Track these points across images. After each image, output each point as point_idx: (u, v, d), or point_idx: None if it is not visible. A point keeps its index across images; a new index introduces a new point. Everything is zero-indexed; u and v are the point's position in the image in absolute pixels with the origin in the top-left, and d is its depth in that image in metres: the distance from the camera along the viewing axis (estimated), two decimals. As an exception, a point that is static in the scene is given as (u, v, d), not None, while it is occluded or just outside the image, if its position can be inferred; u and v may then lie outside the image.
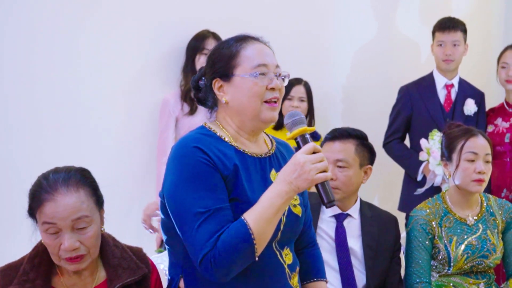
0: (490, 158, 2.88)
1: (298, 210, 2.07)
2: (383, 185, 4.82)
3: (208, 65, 2.08)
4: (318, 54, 4.53)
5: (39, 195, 1.95)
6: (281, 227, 1.99)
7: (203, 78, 2.10)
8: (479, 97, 4.24)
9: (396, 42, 4.94)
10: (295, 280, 2.06)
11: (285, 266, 2.02)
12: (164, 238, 2.08)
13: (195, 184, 1.88)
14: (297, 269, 2.09)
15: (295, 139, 1.93)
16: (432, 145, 3.88)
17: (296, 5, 4.42)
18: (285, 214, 2.01)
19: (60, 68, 3.51)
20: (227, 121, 2.05)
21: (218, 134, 2.02)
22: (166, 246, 2.10)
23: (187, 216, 1.87)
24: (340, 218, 2.85)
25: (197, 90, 2.13)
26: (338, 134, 2.85)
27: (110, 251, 2.07)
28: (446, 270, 2.85)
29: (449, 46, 4.13)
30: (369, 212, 2.90)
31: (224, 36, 3.77)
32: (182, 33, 3.87)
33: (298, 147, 1.92)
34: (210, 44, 3.82)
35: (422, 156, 3.95)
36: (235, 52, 2.02)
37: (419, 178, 4.07)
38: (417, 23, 4.99)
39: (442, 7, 5.02)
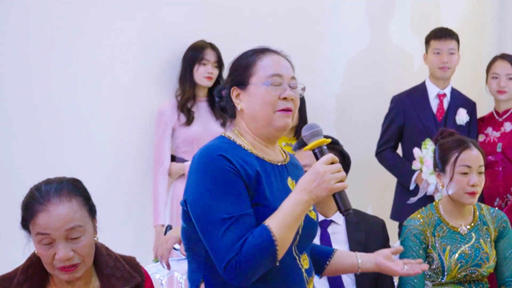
0: (483, 169, 2.89)
1: (313, 215, 2.16)
2: (376, 193, 4.84)
3: (228, 75, 2.17)
4: (311, 64, 4.53)
5: (31, 207, 1.96)
6: (300, 231, 2.06)
7: (225, 87, 2.18)
8: (471, 107, 4.26)
9: (388, 52, 4.97)
10: (311, 285, 2.13)
11: (303, 270, 2.08)
12: (185, 245, 2.11)
13: (220, 191, 1.95)
14: (313, 274, 2.17)
15: (313, 150, 2.03)
16: (425, 154, 3.90)
17: (290, 16, 4.45)
18: (303, 218, 2.06)
19: (57, 76, 3.52)
20: (244, 128, 2.12)
21: (237, 143, 2.09)
22: (186, 253, 2.13)
23: (213, 222, 1.93)
24: (324, 225, 2.87)
25: (220, 99, 2.21)
26: (302, 143, 2.87)
27: (103, 260, 2.08)
28: (440, 279, 2.86)
29: (446, 54, 4.16)
30: (354, 218, 2.91)
31: (220, 47, 3.87)
32: (178, 43, 3.90)
33: (316, 158, 2.02)
34: (209, 55, 3.84)
35: (415, 165, 3.97)
36: (252, 62, 2.11)
37: (412, 187, 4.09)
38: (409, 33, 5.03)
39: (433, 17, 5.07)
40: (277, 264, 1.95)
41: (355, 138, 4.61)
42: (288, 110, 2.07)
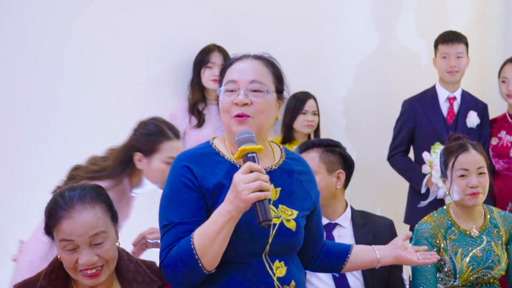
0: (484, 170, 2.89)
1: (291, 225, 2.08)
2: (385, 197, 4.84)
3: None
4: (318, 68, 4.56)
5: (55, 213, 1.97)
6: (269, 240, 2.03)
7: None
8: (482, 109, 4.26)
9: (395, 54, 4.98)
10: None
11: (274, 278, 2.04)
12: None
13: (171, 199, 2.02)
14: (292, 283, 2.10)
15: (242, 157, 1.96)
16: (434, 158, 3.90)
17: (298, 20, 4.47)
18: (275, 227, 2.04)
19: (68, 80, 3.53)
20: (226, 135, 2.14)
21: (217, 149, 2.09)
22: None
23: (160, 226, 2.03)
24: (328, 228, 2.86)
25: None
26: (304, 147, 2.91)
27: (124, 265, 2.10)
28: (452, 282, 2.87)
29: (453, 58, 4.16)
30: (361, 220, 2.91)
31: (230, 51, 3.89)
32: (189, 47, 3.92)
33: None
34: (215, 58, 3.86)
35: (425, 169, 3.97)
36: (223, 70, 2.13)
37: (423, 190, 4.10)
38: (416, 36, 5.04)
39: (440, 20, 5.08)
40: (208, 272, 1.94)
41: (365, 141, 4.62)
42: (240, 116, 2.03)
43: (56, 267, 2.04)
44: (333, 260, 2.33)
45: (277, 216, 2.06)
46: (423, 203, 4.03)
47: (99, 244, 1.99)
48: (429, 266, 2.82)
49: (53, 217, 1.98)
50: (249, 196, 1.85)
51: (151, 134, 2.85)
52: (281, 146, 2.23)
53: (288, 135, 4.21)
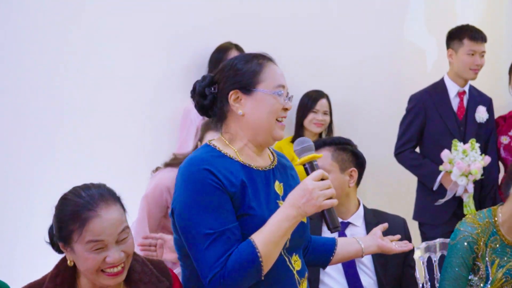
0: None
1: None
2: (396, 195, 4.80)
3: (226, 75, 2.11)
4: (326, 65, 4.56)
5: (79, 215, 1.91)
6: (290, 235, 2.04)
7: (213, 86, 2.13)
8: (488, 103, 4.23)
9: (405, 52, 4.94)
10: (304, 286, 2.13)
11: (294, 272, 2.08)
12: (178, 254, 2.12)
13: (202, 205, 1.95)
14: (306, 275, 2.15)
15: (304, 165, 2.03)
16: (455, 155, 3.86)
17: (307, 17, 4.48)
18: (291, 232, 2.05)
19: (80, 80, 3.56)
20: (238, 133, 2.10)
21: (223, 151, 2.07)
22: (180, 262, 2.14)
23: (196, 236, 1.95)
24: (341, 227, 2.83)
25: (202, 97, 2.15)
26: (315, 146, 2.86)
27: (131, 266, 2.05)
28: (482, 287, 2.84)
29: (479, 57, 4.12)
30: (374, 219, 2.90)
31: (246, 49, 3.88)
32: (203, 46, 3.95)
33: (307, 173, 2.02)
34: (232, 55, 3.84)
35: (445, 166, 3.90)
36: (259, 69, 2.09)
37: (436, 187, 4.05)
38: (425, 33, 5.00)
39: (449, 17, 5.03)
40: (263, 278, 1.96)
41: (372, 138, 4.58)
42: (281, 121, 2.11)
43: (61, 270, 2.00)
44: (321, 253, 2.37)
45: None
46: (441, 201, 3.99)
47: (124, 240, 1.96)
48: (464, 271, 2.81)
49: (78, 219, 1.90)
50: (325, 202, 1.93)
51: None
52: None
53: (298, 134, 4.19)
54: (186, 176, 1.99)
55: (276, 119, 2.09)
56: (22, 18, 3.43)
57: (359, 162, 2.91)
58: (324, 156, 2.83)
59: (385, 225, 2.55)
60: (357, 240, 2.44)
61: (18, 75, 3.43)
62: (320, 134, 4.29)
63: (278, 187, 2.11)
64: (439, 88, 4.22)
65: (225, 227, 1.94)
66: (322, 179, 1.96)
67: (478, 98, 4.24)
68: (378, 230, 2.49)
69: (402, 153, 4.19)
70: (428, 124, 4.16)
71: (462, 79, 4.17)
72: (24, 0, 3.43)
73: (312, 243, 2.37)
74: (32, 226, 2.91)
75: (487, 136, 4.17)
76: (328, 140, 2.93)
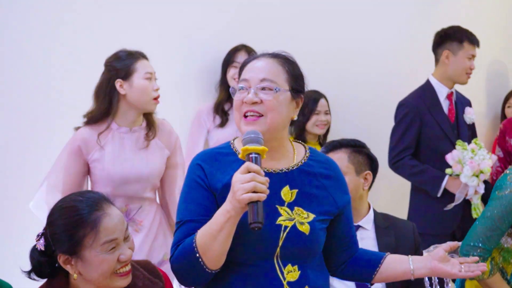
0: None
1: (305, 228, 2.04)
2: (398, 199, 4.75)
3: None
4: (335, 67, 4.57)
5: (89, 217, 1.89)
6: (279, 243, 2.00)
7: None
8: (470, 105, 4.22)
9: (407, 52, 4.93)
10: None
11: (284, 282, 2.01)
12: None
13: (183, 197, 2.06)
14: None
15: (245, 157, 1.95)
16: (465, 155, 3.79)
17: (317, 19, 4.52)
18: (286, 230, 2.02)
19: (95, 80, 3.51)
20: None
21: (235, 149, 2.09)
22: None
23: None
24: None
25: None
26: (331, 146, 2.90)
27: None
28: None
29: (473, 61, 4.09)
30: (384, 223, 2.89)
31: (258, 51, 3.88)
32: (218, 48, 3.98)
33: None
34: (241, 57, 3.90)
35: (456, 168, 3.82)
36: (240, 69, 2.14)
37: (440, 193, 3.95)
38: (430, 37, 4.98)
39: (453, 20, 5.02)
40: (212, 272, 1.95)
41: (377, 140, 4.54)
42: (251, 115, 2.03)
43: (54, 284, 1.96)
44: (363, 269, 2.23)
45: (290, 218, 2.03)
46: (450, 206, 3.90)
47: (129, 236, 1.98)
48: (501, 224, 2.66)
49: (85, 223, 1.89)
50: (243, 196, 1.84)
51: (124, 59, 3.09)
52: (306, 147, 2.19)
53: (300, 136, 4.16)
54: (188, 167, 2.11)
55: (242, 115, 2.04)
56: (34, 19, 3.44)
57: (373, 166, 2.91)
58: (341, 158, 2.83)
59: (452, 244, 2.27)
60: (409, 259, 2.21)
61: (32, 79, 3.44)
62: (319, 136, 4.27)
63: (286, 192, 2.06)
64: (428, 91, 4.11)
65: (191, 218, 2.00)
66: (250, 172, 1.87)
67: (462, 99, 4.21)
68: (441, 250, 2.20)
69: (400, 162, 4.03)
70: (424, 129, 4.03)
71: (451, 82, 4.11)
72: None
73: (355, 256, 2.25)
74: (34, 225, 2.87)
75: (474, 137, 4.13)
76: (344, 141, 2.92)
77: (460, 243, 2.54)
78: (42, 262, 1.94)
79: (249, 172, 1.86)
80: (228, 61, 3.94)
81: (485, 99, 5.38)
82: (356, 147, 2.89)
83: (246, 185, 1.84)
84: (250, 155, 1.91)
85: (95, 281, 1.94)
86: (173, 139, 3.27)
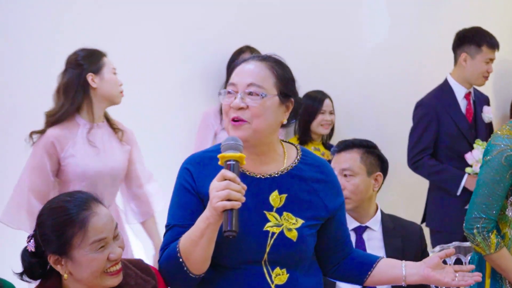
0: None
1: (292, 235, 2.03)
2: (403, 199, 4.72)
3: None
4: (342, 67, 4.57)
5: (77, 216, 1.88)
6: (267, 249, 2.00)
7: None
8: (488, 102, 4.20)
9: (421, 54, 4.89)
10: None
11: (272, 286, 2.01)
12: None
13: (172, 201, 2.07)
14: None
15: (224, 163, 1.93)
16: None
17: (325, 21, 4.53)
18: (274, 237, 2.01)
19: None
20: None
21: None
22: None
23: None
24: (359, 231, 2.83)
25: None
26: (344, 146, 2.89)
27: None
28: None
29: (491, 65, 4.05)
30: (391, 224, 2.87)
31: (262, 51, 3.87)
32: (224, 50, 3.98)
33: None
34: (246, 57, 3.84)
35: (476, 167, 3.80)
36: (230, 72, 2.16)
37: (459, 192, 3.95)
38: (436, 37, 4.94)
39: (462, 20, 4.97)
40: (196, 276, 1.95)
41: (384, 140, 4.50)
42: (235, 120, 2.00)
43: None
44: (355, 271, 2.21)
45: (278, 224, 2.01)
46: None
47: (118, 235, 1.97)
48: (499, 190, 2.55)
49: (74, 223, 1.88)
50: (217, 204, 1.83)
51: (91, 56, 3.14)
52: (299, 149, 2.16)
53: (304, 136, 4.16)
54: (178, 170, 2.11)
55: (230, 120, 2.02)
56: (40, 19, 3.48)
57: (384, 167, 2.90)
58: (353, 158, 2.82)
59: (449, 251, 2.22)
60: (402, 265, 2.17)
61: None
62: (323, 136, 4.27)
63: (275, 197, 2.04)
64: (445, 91, 4.12)
65: (178, 223, 2.01)
66: (226, 180, 1.85)
67: (480, 97, 4.19)
68: (436, 257, 2.16)
69: (420, 161, 4.05)
70: (442, 129, 4.05)
71: (468, 83, 4.10)
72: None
73: (349, 258, 2.23)
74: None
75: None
76: (357, 141, 2.90)
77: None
78: (33, 263, 1.95)
79: (225, 179, 1.85)
80: (232, 63, 3.91)
81: (493, 99, 5.31)
82: (369, 148, 2.89)
83: (220, 193, 1.83)
84: (228, 162, 1.89)
85: (86, 280, 1.94)
86: (130, 134, 3.33)
